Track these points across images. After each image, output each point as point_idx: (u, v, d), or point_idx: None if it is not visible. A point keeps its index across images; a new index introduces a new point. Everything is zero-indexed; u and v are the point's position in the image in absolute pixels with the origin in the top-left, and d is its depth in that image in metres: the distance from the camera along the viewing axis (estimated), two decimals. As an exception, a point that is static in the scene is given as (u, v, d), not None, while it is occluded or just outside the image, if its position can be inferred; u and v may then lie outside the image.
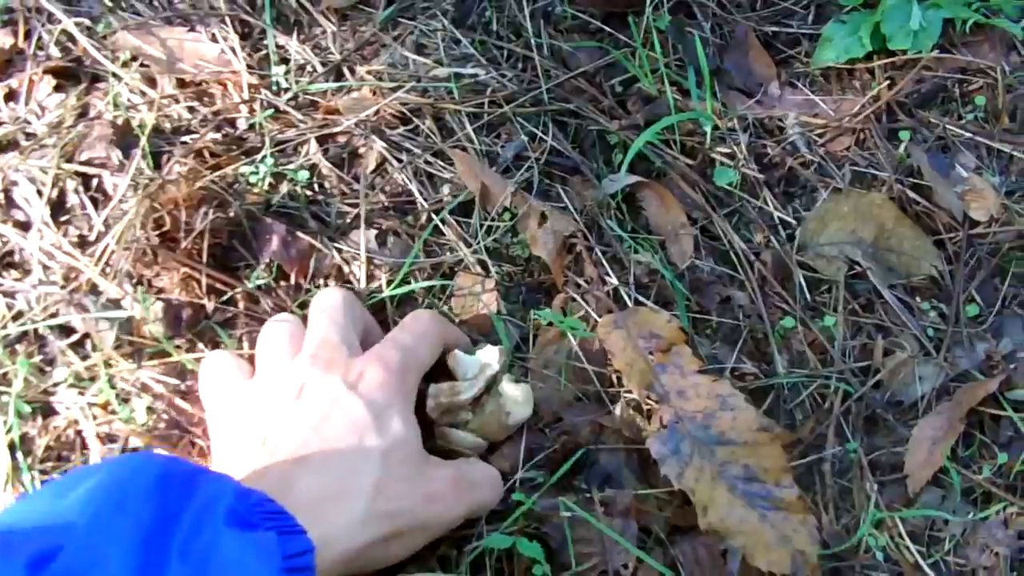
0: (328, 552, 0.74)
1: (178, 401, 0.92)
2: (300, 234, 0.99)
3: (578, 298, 0.99)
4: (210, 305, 0.95)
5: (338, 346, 0.85)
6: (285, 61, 1.11)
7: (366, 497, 0.78)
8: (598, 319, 0.98)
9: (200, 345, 0.94)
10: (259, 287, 0.96)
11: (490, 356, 0.91)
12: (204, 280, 0.95)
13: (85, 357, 0.92)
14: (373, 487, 0.79)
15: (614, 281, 1.00)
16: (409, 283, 0.97)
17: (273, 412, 0.82)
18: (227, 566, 0.63)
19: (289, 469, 0.78)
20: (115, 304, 0.94)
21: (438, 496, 0.83)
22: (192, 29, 1.13)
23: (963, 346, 0.98)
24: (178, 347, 0.93)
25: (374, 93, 1.08)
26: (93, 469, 0.68)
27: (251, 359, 0.91)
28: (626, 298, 1.00)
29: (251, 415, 0.82)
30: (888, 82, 1.08)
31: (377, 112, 1.06)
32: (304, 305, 0.95)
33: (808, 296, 1.00)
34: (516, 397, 0.91)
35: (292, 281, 0.98)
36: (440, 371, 0.92)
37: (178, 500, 0.65)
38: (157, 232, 0.95)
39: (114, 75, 1.06)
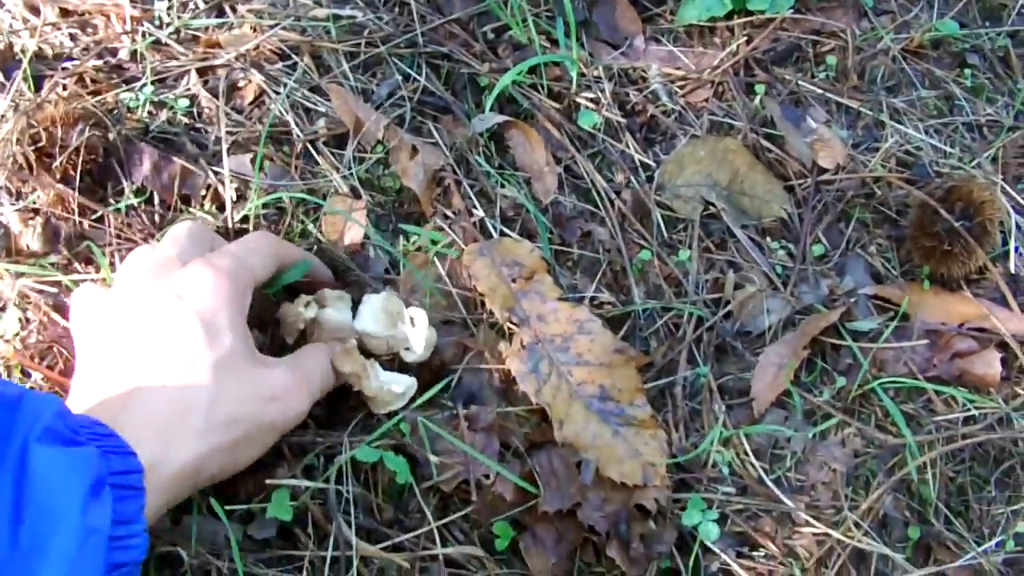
0: (168, 468, 0.76)
1: (53, 315, 0.95)
2: (174, 158, 1.03)
3: (446, 227, 1.05)
4: (85, 223, 0.99)
5: (172, 259, 0.87)
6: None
7: (201, 410, 0.80)
8: (464, 247, 1.03)
9: (76, 265, 0.98)
10: (131, 207, 1.00)
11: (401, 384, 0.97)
12: (76, 198, 0.99)
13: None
14: (207, 398, 0.81)
15: (481, 213, 1.06)
16: (281, 202, 1.02)
17: (112, 333, 0.83)
18: (39, 480, 0.65)
19: (124, 390, 0.79)
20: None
21: (277, 395, 0.86)
22: None
23: (808, 282, 1.06)
24: (54, 264, 0.97)
25: (254, 30, 1.13)
26: None
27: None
28: (492, 229, 1.06)
29: (97, 337, 0.84)
30: (746, 39, 1.17)
31: (257, 47, 1.11)
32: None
33: (665, 233, 1.08)
34: (426, 340, 0.97)
35: (159, 202, 1.02)
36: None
37: (5, 422, 0.66)
38: (33, 148, 0.98)
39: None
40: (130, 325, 0.82)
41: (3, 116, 1.02)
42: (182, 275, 0.84)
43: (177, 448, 0.77)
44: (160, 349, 0.81)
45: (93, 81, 1.07)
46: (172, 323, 0.82)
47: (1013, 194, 1.08)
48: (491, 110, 1.09)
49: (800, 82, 1.14)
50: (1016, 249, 1.05)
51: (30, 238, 0.99)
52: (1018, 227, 1.06)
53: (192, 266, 0.85)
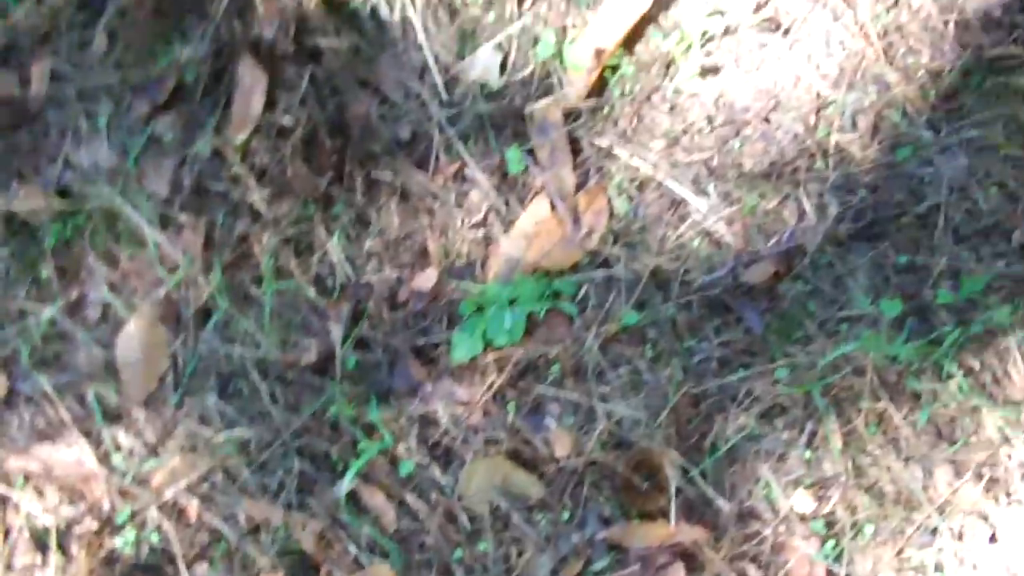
0: None
1: None
2: (157, 582, 2.50)
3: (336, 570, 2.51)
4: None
5: None
6: (119, 448, 2.62)
7: None
8: (348, 581, 2.49)
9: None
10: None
11: None
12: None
13: None
14: None
15: (354, 551, 2.51)
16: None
17: None
18: None
19: None
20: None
21: None
22: (54, 443, 2.64)
23: (563, 539, 2.46)
24: None
25: (184, 457, 2.60)
26: None
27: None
28: (364, 562, 2.51)
29: None
30: (498, 368, 2.56)
31: (188, 483, 2.58)
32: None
33: (469, 528, 2.50)
34: None
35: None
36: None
37: None
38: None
39: (14, 499, 2.56)
40: None
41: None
42: None
43: None
44: None
45: (98, 536, 2.57)
46: None
47: (677, 447, 2.46)
48: (348, 481, 2.53)
49: (539, 390, 2.54)
50: (679, 489, 2.43)
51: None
52: (682, 471, 2.44)
53: None
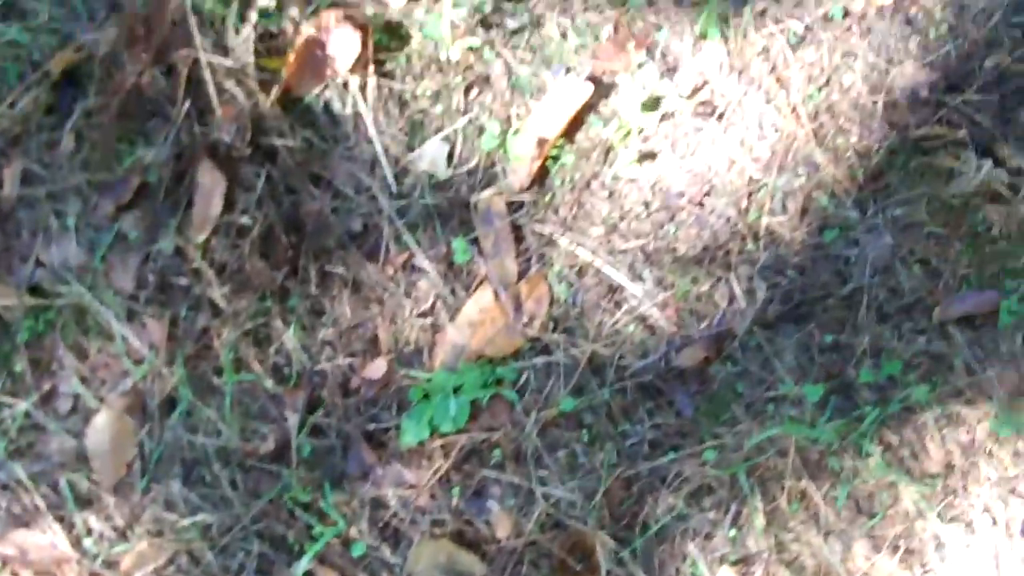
0: None
1: None
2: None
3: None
4: None
5: None
6: (90, 533, 3.17)
7: None
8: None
9: None
10: None
11: None
12: None
13: None
14: None
15: None
16: None
17: None
18: None
19: None
20: None
21: None
22: (29, 528, 3.21)
23: None
24: None
25: (151, 541, 3.17)
26: None
27: None
28: None
29: None
30: (444, 452, 3.09)
31: (155, 566, 3.15)
32: None
33: None
34: None
35: None
36: None
37: None
38: None
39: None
40: None
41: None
42: None
43: None
44: None
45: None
46: None
47: (610, 527, 2.98)
48: (304, 563, 3.08)
49: (483, 472, 3.07)
50: (609, 572, 2.95)
51: None
52: (613, 553, 2.95)
53: None
